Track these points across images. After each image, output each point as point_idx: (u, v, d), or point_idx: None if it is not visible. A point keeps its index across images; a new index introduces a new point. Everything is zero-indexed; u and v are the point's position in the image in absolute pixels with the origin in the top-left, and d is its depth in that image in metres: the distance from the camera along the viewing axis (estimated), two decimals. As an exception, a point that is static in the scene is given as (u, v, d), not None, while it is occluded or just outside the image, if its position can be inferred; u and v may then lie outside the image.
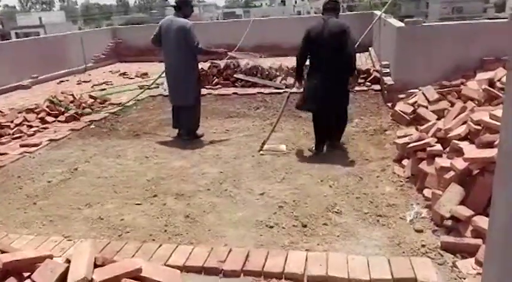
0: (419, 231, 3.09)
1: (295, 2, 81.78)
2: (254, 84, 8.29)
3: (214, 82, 8.57)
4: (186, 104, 5.47)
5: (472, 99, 4.69)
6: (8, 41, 16.60)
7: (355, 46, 4.70)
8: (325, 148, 4.90)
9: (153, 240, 3.20)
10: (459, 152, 3.43)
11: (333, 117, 4.84)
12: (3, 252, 2.52)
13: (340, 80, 4.63)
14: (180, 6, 5.34)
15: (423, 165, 3.76)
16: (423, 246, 2.90)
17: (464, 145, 3.47)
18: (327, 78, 4.58)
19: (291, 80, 8.13)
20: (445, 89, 5.40)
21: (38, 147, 5.57)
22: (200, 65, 9.22)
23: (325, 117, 4.82)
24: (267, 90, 7.91)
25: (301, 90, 5.02)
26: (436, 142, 3.91)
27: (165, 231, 3.33)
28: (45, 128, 6.41)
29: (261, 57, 7.50)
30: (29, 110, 6.85)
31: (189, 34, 5.18)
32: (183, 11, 5.35)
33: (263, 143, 5.04)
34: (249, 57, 6.85)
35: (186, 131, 5.60)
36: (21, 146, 5.64)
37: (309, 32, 4.68)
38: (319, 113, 4.84)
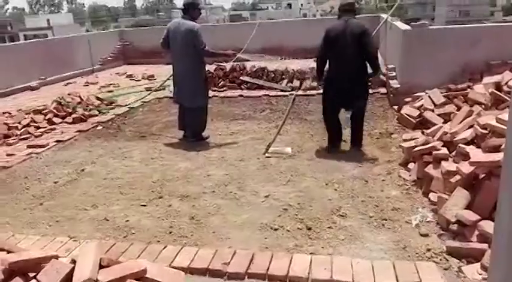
0: (425, 235, 3.07)
1: (301, 5, 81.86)
2: (260, 87, 8.30)
3: (220, 84, 8.59)
4: (193, 106, 5.49)
5: (479, 103, 4.66)
6: (16, 42, 16.75)
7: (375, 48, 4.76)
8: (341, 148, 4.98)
9: (158, 241, 3.21)
10: (465, 156, 3.42)
11: (352, 119, 4.84)
12: (9, 252, 2.54)
13: (359, 81, 4.70)
14: (188, 8, 5.37)
15: (429, 169, 3.74)
16: (428, 250, 2.88)
17: (471, 149, 3.45)
18: (347, 79, 4.61)
19: (296, 83, 8.15)
20: (452, 93, 5.38)
21: (45, 148, 5.61)
22: (206, 68, 9.30)
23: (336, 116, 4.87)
24: (272, 93, 7.92)
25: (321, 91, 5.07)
26: (442, 146, 3.89)
27: (170, 232, 3.34)
28: (52, 129, 6.45)
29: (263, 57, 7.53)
30: (37, 111, 6.90)
31: (196, 37, 5.21)
32: (190, 14, 5.38)
33: (268, 146, 5.04)
34: (256, 58, 6.88)
35: (192, 133, 5.61)
36: (29, 146, 5.68)
37: (329, 32, 4.68)
38: (335, 112, 4.86)
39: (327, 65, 4.83)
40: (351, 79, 4.60)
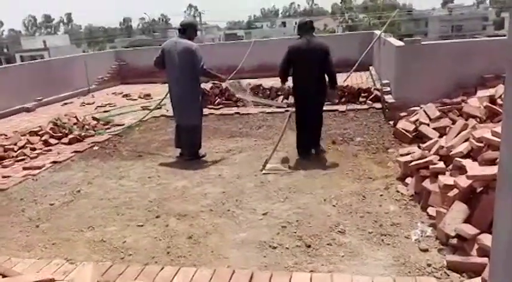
0: (425, 250, 3.06)
1: (296, 23, 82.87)
2: (256, 104, 8.33)
3: (216, 102, 8.63)
4: (190, 123, 5.51)
5: (474, 117, 4.70)
6: (12, 64, 16.83)
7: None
8: (312, 152, 5.36)
9: (156, 262, 3.18)
10: (462, 170, 3.42)
11: (313, 123, 5.31)
12: (4, 276, 2.51)
13: (319, 90, 5.14)
14: (185, 29, 5.43)
15: (426, 183, 3.74)
16: (429, 265, 2.86)
17: (467, 162, 3.46)
18: (307, 91, 5.13)
19: (292, 100, 8.19)
20: (446, 107, 5.41)
21: (41, 169, 5.58)
22: (202, 86, 9.34)
23: (307, 124, 5.32)
24: (268, 110, 7.95)
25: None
26: (439, 160, 3.90)
27: (168, 253, 3.30)
28: (48, 150, 6.43)
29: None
30: (33, 133, 6.89)
31: (196, 56, 5.26)
32: (188, 34, 5.43)
33: (265, 163, 5.03)
34: (242, 94, 6.98)
35: (188, 151, 5.61)
36: (24, 168, 5.65)
37: (292, 49, 5.14)
38: (302, 120, 5.35)
39: (292, 75, 5.30)
40: (312, 89, 5.10)
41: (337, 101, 6.69)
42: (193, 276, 2.87)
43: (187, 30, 5.44)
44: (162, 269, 3.00)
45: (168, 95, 5.71)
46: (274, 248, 3.26)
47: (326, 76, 5.11)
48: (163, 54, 5.41)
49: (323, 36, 16.51)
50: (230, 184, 4.67)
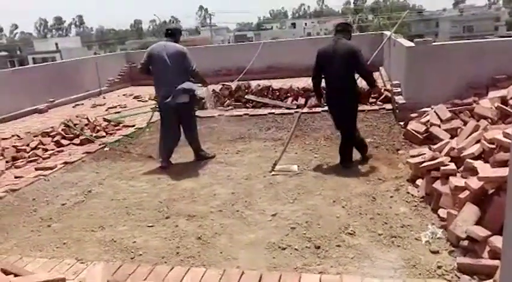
0: (435, 252, 3.03)
1: (305, 24, 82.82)
2: (265, 105, 8.35)
3: (225, 103, 8.66)
4: (188, 107, 5.39)
5: (485, 118, 4.64)
6: (25, 66, 17.06)
7: (367, 65, 4.88)
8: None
9: (165, 262, 3.19)
10: (473, 171, 3.39)
11: (342, 132, 5.06)
12: (16, 275, 2.54)
13: (348, 98, 4.88)
14: (173, 32, 5.46)
15: (437, 185, 3.71)
16: (439, 267, 2.83)
17: (479, 164, 3.43)
18: (336, 96, 4.89)
19: (301, 101, 8.19)
20: (458, 108, 5.37)
21: (53, 170, 5.65)
22: (212, 87, 9.37)
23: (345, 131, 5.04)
24: (278, 111, 7.96)
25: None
26: (450, 161, 3.86)
27: (177, 253, 3.32)
28: (60, 151, 6.51)
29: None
30: (45, 134, 6.98)
31: (187, 58, 5.23)
32: (175, 38, 5.43)
33: (275, 164, 5.03)
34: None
35: (196, 149, 5.65)
36: (37, 169, 5.72)
37: (320, 53, 4.96)
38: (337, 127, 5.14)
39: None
40: (339, 97, 4.87)
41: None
42: (202, 276, 2.88)
43: (175, 34, 5.46)
44: (171, 269, 3.02)
45: (159, 100, 5.47)
46: (284, 249, 3.25)
47: (357, 79, 4.93)
48: (151, 58, 5.29)
49: (329, 37, 16.48)
50: (239, 185, 4.67)
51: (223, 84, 9.28)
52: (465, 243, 2.95)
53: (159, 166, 5.47)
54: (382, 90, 8.01)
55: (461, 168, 3.65)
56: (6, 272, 2.62)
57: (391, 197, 4.04)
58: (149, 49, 5.45)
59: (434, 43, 6.43)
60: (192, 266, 3.09)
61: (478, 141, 3.82)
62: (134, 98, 11.34)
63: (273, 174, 4.89)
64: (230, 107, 8.55)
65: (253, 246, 3.34)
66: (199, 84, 5.75)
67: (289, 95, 8.51)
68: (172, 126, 5.45)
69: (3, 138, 7.00)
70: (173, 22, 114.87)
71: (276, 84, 9.10)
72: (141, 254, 3.35)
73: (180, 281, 2.85)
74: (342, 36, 4.88)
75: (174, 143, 5.54)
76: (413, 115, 5.94)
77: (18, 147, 6.36)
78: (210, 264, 3.11)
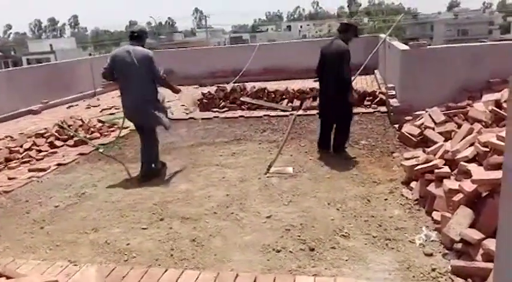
0: (429, 254, 3.04)
1: (301, 27, 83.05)
2: (260, 107, 8.35)
3: (221, 105, 8.65)
4: (153, 124, 5.19)
5: (479, 121, 4.67)
6: (19, 67, 16.97)
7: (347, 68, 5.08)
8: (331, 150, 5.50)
9: (159, 265, 3.18)
10: (467, 174, 3.40)
11: (333, 124, 5.44)
12: (8, 277, 2.52)
13: (339, 92, 5.13)
14: (138, 35, 5.05)
15: (431, 188, 3.72)
16: (433, 270, 2.84)
17: (472, 167, 3.44)
18: (327, 90, 5.29)
19: (297, 103, 8.19)
20: (452, 111, 5.40)
21: (46, 171, 5.61)
22: (207, 89, 9.36)
23: (327, 123, 5.49)
24: (273, 113, 7.95)
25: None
26: (444, 164, 3.88)
27: (171, 255, 3.30)
28: (54, 152, 6.47)
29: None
30: (38, 135, 6.93)
31: (153, 63, 4.91)
32: (141, 41, 5.06)
33: (270, 166, 5.03)
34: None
35: (148, 162, 5.19)
36: (30, 170, 5.68)
37: (321, 50, 5.41)
38: (323, 118, 5.56)
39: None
40: (330, 89, 5.21)
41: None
42: (196, 279, 2.87)
43: (140, 36, 5.06)
44: (165, 271, 3.00)
45: (124, 106, 5.20)
46: (278, 251, 3.25)
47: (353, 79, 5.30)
48: (114, 63, 4.94)
49: (329, 39, 16.53)
50: (234, 187, 4.66)
51: (218, 86, 9.27)
52: (459, 246, 2.96)
53: (142, 176, 5.13)
54: (377, 93, 8.04)
55: (455, 171, 3.67)
56: (-2, 275, 2.59)
57: (386, 199, 4.05)
58: (112, 53, 5.12)
59: (429, 46, 6.46)
60: (186, 268, 3.08)
61: (472, 144, 3.84)
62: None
63: (268, 176, 4.89)
64: (225, 109, 8.54)
65: (248, 248, 3.33)
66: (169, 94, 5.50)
67: (284, 97, 8.51)
68: (140, 131, 5.31)
69: (-3, 139, 6.95)
70: (169, 24, 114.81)
71: (272, 86, 9.10)
72: (134, 256, 3.33)
73: (173, 284, 2.83)
74: (341, 36, 5.18)
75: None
76: (407, 118, 5.96)
77: (12, 149, 6.31)
78: (204, 267, 3.10)
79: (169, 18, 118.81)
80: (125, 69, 4.90)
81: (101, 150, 6.24)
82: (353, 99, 5.11)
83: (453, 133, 4.71)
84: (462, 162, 3.60)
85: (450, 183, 3.47)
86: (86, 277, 2.39)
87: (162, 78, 5.04)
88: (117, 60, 4.93)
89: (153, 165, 5.22)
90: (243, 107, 8.53)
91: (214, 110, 8.49)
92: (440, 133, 5.02)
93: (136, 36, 5.05)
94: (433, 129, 5.18)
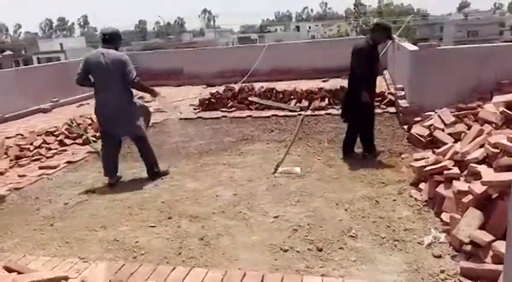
0: (438, 256, 3.02)
1: (309, 27, 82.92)
2: (268, 107, 8.35)
3: (229, 105, 8.66)
4: (134, 134, 5.07)
5: (489, 122, 4.63)
6: (29, 66, 17.14)
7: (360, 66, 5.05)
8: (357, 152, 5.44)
9: (167, 262, 3.20)
10: (477, 176, 3.38)
11: (355, 126, 5.38)
12: (19, 273, 2.55)
13: (352, 91, 5.16)
14: (111, 38, 4.89)
15: (440, 189, 3.70)
16: (442, 272, 2.83)
17: (482, 168, 3.42)
18: (349, 90, 5.31)
19: (305, 103, 8.18)
20: (462, 112, 5.36)
21: (56, 169, 5.66)
22: (215, 89, 9.38)
23: (350, 124, 5.43)
24: (281, 113, 7.95)
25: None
26: (454, 165, 3.86)
27: (179, 254, 3.32)
28: (63, 150, 6.53)
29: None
30: (48, 133, 6.99)
31: (129, 66, 4.77)
32: (114, 44, 4.91)
33: (277, 166, 5.03)
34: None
35: (150, 167, 5.14)
36: (40, 168, 5.74)
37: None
38: (344, 119, 5.51)
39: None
40: (352, 88, 5.21)
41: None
42: (204, 277, 2.88)
43: (113, 39, 4.90)
44: (173, 269, 3.02)
45: (97, 111, 5.03)
46: (286, 251, 3.25)
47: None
48: (88, 68, 4.81)
49: (337, 40, 16.48)
50: (242, 187, 4.67)
51: (226, 86, 9.29)
52: (468, 247, 2.94)
53: (108, 183, 5.03)
54: (386, 94, 8.00)
55: (465, 173, 3.64)
56: (9, 270, 2.63)
57: (394, 200, 4.03)
58: (85, 57, 4.93)
59: (438, 47, 6.43)
60: (194, 266, 3.09)
61: (482, 146, 3.81)
62: (138, 98, 11.33)
63: (275, 176, 4.89)
64: (233, 109, 8.55)
65: (255, 247, 3.34)
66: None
67: (292, 97, 8.50)
68: (112, 136, 5.06)
69: (7, 137, 7.03)
70: (178, 23, 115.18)
71: (280, 86, 9.10)
72: (143, 254, 3.35)
73: (182, 281, 2.84)
74: (371, 36, 5.09)
75: (115, 153, 5.13)
76: (417, 119, 5.93)
77: (22, 146, 6.38)
78: (212, 265, 3.11)
79: (178, 18, 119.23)
80: (99, 72, 4.78)
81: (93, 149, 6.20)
82: (366, 98, 4.97)
83: (463, 134, 4.67)
84: (472, 164, 3.58)
85: (460, 185, 3.45)
86: (95, 273, 2.41)
87: (135, 81, 4.83)
88: (90, 64, 4.79)
89: (155, 169, 5.17)
90: (251, 107, 8.53)
91: (223, 109, 8.51)
92: (450, 134, 4.98)
93: (108, 38, 4.89)
94: (443, 130, 5.15)
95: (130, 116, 4.96)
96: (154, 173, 5.14)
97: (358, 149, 5.45)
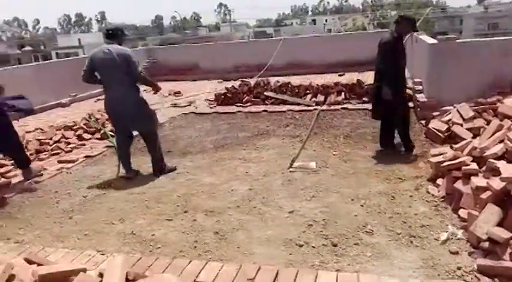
0: (455, 253, 2.99)
1: (326, 21, 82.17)
2: (284, 102, 8.33)
3: (244, 100, 8.67)
4: (146, 130, 5.16)
5: (509, 117, 4.54)
6: (48, 61, 17.41)
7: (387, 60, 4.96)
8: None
9: (183, 256, 3.23)
10: (496, 172, 3.33)
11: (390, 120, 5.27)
12: (39, 264, 2.61)
13: (380, 85, 5.02)
14: (114, 33, 4.96)
15: (458, 185, 3.65)
16: (459, 268, 2.80)
17: (501, 164, 3.36)
18: (376, 84, 5.15)
19: (321, 98, 8.14)
20: (481, 107, 5.26)
21: (75, 163, 5.77)
22: (231, 83, 9.40)
23: (384, 119, 5.33)
24: (296, 108, 7.92)
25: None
26: (472, 161, 3.80)
27: (195, 247, 3.36)
28: (82, 145, 6.63)
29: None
30: (67, 128, 7.11)
31: (134, 61, 4.82)
32: (117, 39, 4.96)
33: (293, 160, 5.03)
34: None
35: (157, 164, 5.18)
36: (59, 162, 5.85)
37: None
38: (375, 115, 5.42)
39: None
40: (380, 82, 5.04)
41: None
42: (219, 270, 2.91)
43: (116, 35, 4.96)
44: (189, 262, 3.05)
45: (106, 106, 5.11)
46: (300, 246, 3.25)
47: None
48: (93, 65, 4.85)
49: (352, 34, 16.30)
50: (257, 181, 4.69)
51: (242, 81, 9.30)
52: (486, 244, 2.90)
53: (125, 177, 5.12)
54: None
55: (484, 168, 3.59)
56: (30, 262, 2.69)
57: (411, 196, 4.00)
58: (91, 54, 4.98)
59: (457, 40, 6.31)
60: (210, 260, 3.12)
61: (501, 141, 3.75)
62: (154, 93, 11.42)
63: (291, 171, 4.89)
64: (249, 104, 8.56)
65: (270, 242, 3.35)
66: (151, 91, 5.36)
67: (308, 92, 8.46)
68: (122, 131, 5.17)
69: (27, 132, 7.17)
70: (194, 18, 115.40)
71: (295, 80, 9.07)
72: (159, 247, 3.40)
73: (197, 275, 2.87)
74: (395, 29, 5.01)
75: (128, 147, 5.25)
76: (435, 113, 5.85)
77: (42, 141, 6.50)
78: (227, 259, 3.14)
79: (194, 13, 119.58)
80: (104, 69, 4.83)
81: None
82: (387, 96, 4.87)
83: (482, 129, 4.60)
84: (491, 160, 3.52)
85: (478, 181, 3.40)
86: (112, 266, 2.46)
87: (140, 75, 4.91)
88: (95, 61, 4.83)
89: (161, 165, 5.20)
90: (266, 101, 8.53)
91: (238, 104, 8.52)
92: (468, 129, 4.90)
93: (112, 34, 4.95)
94: (461, 125, 5.07)
95: (137, 111, 5.01)
96: (160, 169, 5.18)
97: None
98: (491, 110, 5.09)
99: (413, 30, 5.26)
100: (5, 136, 5.00)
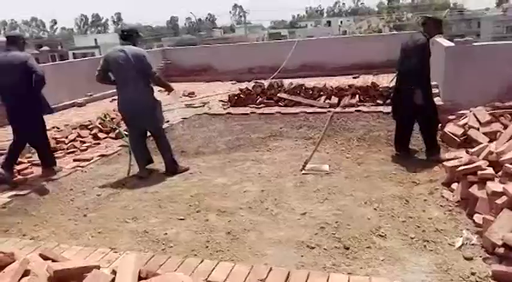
0: (469, 258, 2.95)
1: (341, 23, 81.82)
2: (297, 104, 8.31)
3: (258, 101, 8.67)
4: (154, 127, 5.25)
5: (527, 122, 4.47)
6: (65, 61, 17.67)
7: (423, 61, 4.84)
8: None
9: (195, 255, 3.25)
10: (513, 177, 3.27)
11: (411, 123, 5.19)
12: (54, 260, 2.65)
13: (410, 87, 4.85)
14: (129, 35, 5.03)
15: (474, 190, 3.60)
16: (473, 274, 2.76)
17: (519, 169, 3.30)
18: (401, 85, 5.08)
19: (335, 100, 8.10)
20: (498, 111, 5.19)
21: (90, 162, 5.83)
22: (245, 84, 9.40)
23: (402, 122, 5.24)
24: (310, 110, 7.90)
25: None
26: (488, 166, 3.74)
27: (207, 247, 3.37)
28: (97, 144, 6.71)
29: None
30: (83, 127, 7.20)
31: (148, 62, 4.90)
32: (132, 40, 5.02)
33: (305, 163, 5.02)
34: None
35: (170, 161, 5.24)
36: (74, 160, 5.93)
37: (401, 43, 5.16)
38: (397, 116, 5.31)
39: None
40: (404, 87, 4.97)
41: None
42: (231, 270, 2.91)
43: (131, 36, 5.03)
44: (201, 262, 3.06)
45: (120, 106, 5.21)
46: (312, 248, 3.24)
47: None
48: (108, 65, 4.92)
49: (365, 36, 16.17)
50: (269, 183, 4.69)
51: (256, 82, 9.30)
52: (501, 250, 2.85)
53: (138, 176, 5.19)
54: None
55: (500, 173, 3.53)
56: (45, 258, 2.73)
57: (425, 200, 3.96)
58: (105, 54, 5.08)
59: (475, 43, 6.23)
60: (221, 260, 3.13)
61: (518, 146, 3.68)
62: (167, 94, 11.50)
63: (303, 173, 4.88)
64: (262, 105, 8.56)
65: (282, 244, 3.35)
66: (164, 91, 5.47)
67: (322, 94, 8.42)
68: (136, 131, 5.26)
69: (44, 130, 7.27)
70: (209, 20, 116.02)
71: (309, 82, 9.03)
72: (171, 246, 3.42)
73: (209, 274, 2.88)
74: (422, 30, 4.94)
75: (143, 146, 5.36)
76: (450, 117, 5.78)
77: (58, 139, 6.59)
78: (238, 260, 3.15)
79: (209, 14, 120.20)
80: (119, 69, 4.89)
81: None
82: (419, 100, 4.72)
83: (498, 134, 4.53)
84: (507, 164, 3.46)
85: (494, 186, 3.35)
86: (125, 264, 2.48)
87: (155, 76, 5.00)
88: (110, 61, 4.89)
89: (175, 163, 5.25)
90: (280, 103, 8.50)
91: (251, 105, 8.52)
92: (485, 133, 4.84)
93: (127, 35, 5.02)
94: (478, 129, 5.00)
95: (152, 111, 5.09)
96: (174, 168, 5.22)
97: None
98: (508, 115, 5.02)
99: (440, 31, 5.14)
100: (35, 126, 5.20)
